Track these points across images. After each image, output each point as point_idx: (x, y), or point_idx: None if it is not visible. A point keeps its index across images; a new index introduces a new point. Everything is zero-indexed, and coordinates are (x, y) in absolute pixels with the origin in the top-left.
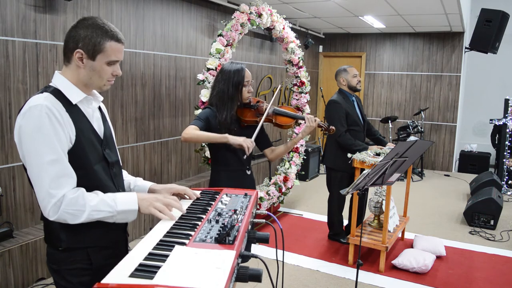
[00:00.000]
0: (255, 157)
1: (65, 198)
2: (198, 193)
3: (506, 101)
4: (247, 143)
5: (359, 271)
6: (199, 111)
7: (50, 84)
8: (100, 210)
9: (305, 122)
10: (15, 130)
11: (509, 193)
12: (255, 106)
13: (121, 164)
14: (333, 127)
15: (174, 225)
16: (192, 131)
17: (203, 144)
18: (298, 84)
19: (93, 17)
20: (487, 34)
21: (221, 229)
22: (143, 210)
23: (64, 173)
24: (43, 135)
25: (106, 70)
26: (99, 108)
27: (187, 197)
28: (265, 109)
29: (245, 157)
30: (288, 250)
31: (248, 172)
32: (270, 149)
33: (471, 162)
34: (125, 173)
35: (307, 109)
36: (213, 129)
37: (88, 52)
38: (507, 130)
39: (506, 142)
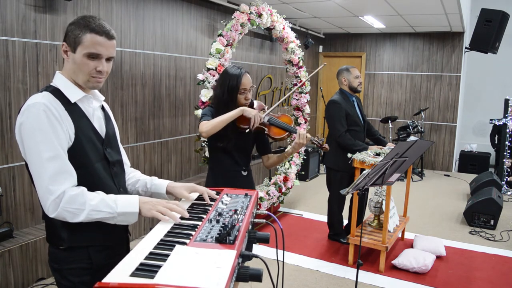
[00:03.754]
0: (255, 157)
1: (65, 195)
2: (213, 193)
3: (506, 101)
4: (256, 118)
5: (359, 271)
6: (199, 111)
7: (51, 83)
8: (100, 210)
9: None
10: (16, 128)
11: (509, 193)
12: None
13: (124, 164)
14: (327, 146)
15: (174, 224)
16: (208, 123)
17: (203, 144)
18: (298, 84)
19: (87, 15)
20: (487, 34)
21: (221, 229)
22: (145, 213)
23: (63, 170)
24: (42, 133)
25: (87, 64)
26: (103, 107)
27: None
28: (261, 118)
29: (247, 131)
30: (288, 250)
31: (245, 173)
32: (267, 156)
33: (471, 162)
34: (138, 173)
35: (307, 109)
36: None
37: (70, 44)
38: (507, 130)
39: (506, 142)
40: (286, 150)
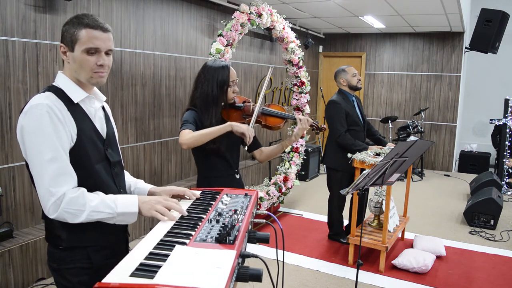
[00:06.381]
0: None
1: (65, 197)
2: (197, 193)
3: (506, 101)
4: (250, 132)
5: (359, 271)
6: None
7: (53, 83)
8: (100, 211)
9: (296, 123)
10: (17, 129)
11: (509, 193)
12: (241, 106)
13: (123, 164)
14: (325, 126)
15: (174, 225)
16: (191, 135)
17: None
18: (298, 84)
19: (80, 14)
20: (487, 34)
21: (221, 229)
22: (145, 213)
23: (64, 172)
24: (44, 134)
25: (87, 60)
26: (103, 108)
27: (187, 198)
28: (252, 109)
29: (246, 147)
30: (288, 250)
31: (237, 176)
32: (260, 150)
33: (471, 162)
34: (127, 174)
35: (307, 109)
36: None
37: (67, 44)
38: (507, 130)
39: (506, 142)
40: (287, 138)
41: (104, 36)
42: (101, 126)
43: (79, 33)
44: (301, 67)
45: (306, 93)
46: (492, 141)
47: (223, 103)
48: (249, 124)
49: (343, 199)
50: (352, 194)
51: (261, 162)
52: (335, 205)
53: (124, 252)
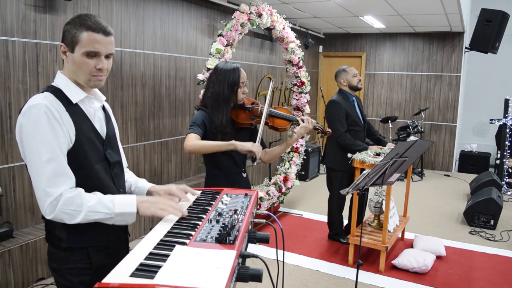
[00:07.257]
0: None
1: (62, 197)
2: (198, 192)
3: (506, 101)
4: (256, 148)
5: (359, 271)
6: None
7: (52, 83)
8: (97, 211)
9: (299, 124)
10: (16, 129)
11: (509, 193)
12: (250, 107)
13: (123, 164)
14: (330, 130)
15: (174, 225)
16: (195, 142)
17: None
18: (298, 84)
19: (82, 14)
20: (487, 34)
21: (221, 229)
22: (144, 212)
23: (61, 172)
24: (41, 134)
25: (87, 63)
26: (103, 107)
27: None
28: (260, 110)
29: (255, 163)
30: (288, 250)
31: (244, 175)
32: (264, 151)
33: (471, 162)
34: (129, 174)
35: (307, 109)
36: (209, 132)
37: (68, 44)
38: (507, 130)
39: (506, 142)
40: (290, 137)
41: (106, 40)
42: (100, 127)
43: (81, 35)
44: (301, 67)
45: (306, 93)
46: (496, 141)
47: (233, 104)
48: (256, 128)
49: (343, 199)
50: (352, 194)
51: (265, 163)
52: (335, 205)
53: (124, 252)
